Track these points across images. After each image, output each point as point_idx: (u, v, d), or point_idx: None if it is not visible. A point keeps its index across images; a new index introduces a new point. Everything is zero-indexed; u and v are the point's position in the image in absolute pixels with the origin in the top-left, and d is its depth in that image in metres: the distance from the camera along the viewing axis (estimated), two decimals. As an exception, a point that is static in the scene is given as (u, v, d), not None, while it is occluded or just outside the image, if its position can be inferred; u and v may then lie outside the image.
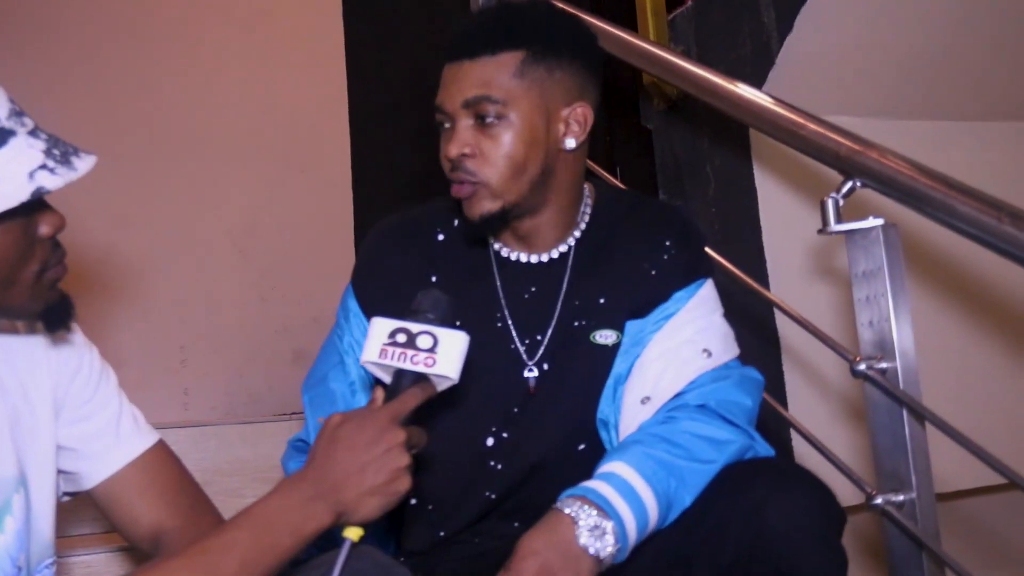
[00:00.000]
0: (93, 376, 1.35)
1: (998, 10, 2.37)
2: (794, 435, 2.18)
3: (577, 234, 1.59)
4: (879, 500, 1.59)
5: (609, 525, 1.29)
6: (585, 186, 1.63)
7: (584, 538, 1.28)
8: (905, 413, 1.59)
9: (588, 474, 1.42)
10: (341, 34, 3.48)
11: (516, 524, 1.52)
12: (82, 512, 1.94)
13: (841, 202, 1.67)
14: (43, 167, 1.08)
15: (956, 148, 2.50)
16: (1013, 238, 1.43)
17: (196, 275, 3.11)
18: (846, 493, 1.49)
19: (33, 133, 1.11)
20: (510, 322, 1.55)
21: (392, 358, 1.21)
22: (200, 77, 3.22)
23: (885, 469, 1.61)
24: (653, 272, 1.55)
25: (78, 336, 1.36)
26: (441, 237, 1.60)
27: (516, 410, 1.53)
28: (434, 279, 1.56)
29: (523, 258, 1.58)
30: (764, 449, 1.48)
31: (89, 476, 1.34)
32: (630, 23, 2.58)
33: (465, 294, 1.44)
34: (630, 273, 1.55)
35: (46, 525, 1.27)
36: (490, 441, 1.52)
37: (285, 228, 3.27)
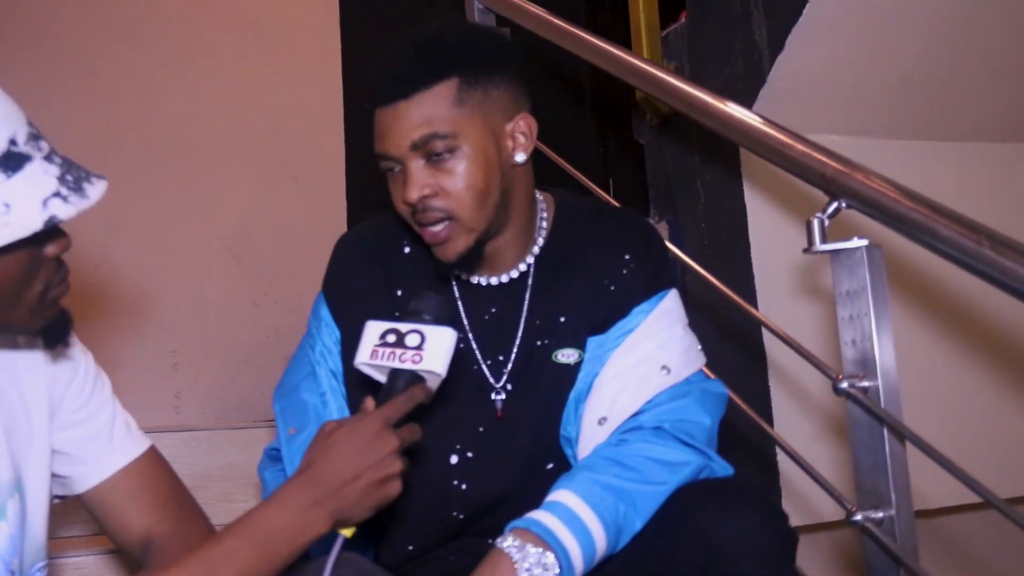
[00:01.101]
0: (88, 382, 1.37)
1: (987, 33, 2.40)
2: (778, 451, 2.20)
3: (536, 250, 1.58)
4: (859, 516, 1.60)
5: (551, 559, 1.28)
6: (540, 196, 1.62)
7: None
8: (886, 431, 1.60)
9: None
10: (338, 42, 3.50)
11: (490, 542, 1.52)
12: (73, 514, 1.95)
13: (826, 222, 1.69)
14: (56, 195, 1.09)
15: (943, 168, 2.53)
16: (993, 262, 1.45)
17: (189, 280, 3.13)
18: (827, 509, 1.52)
19: (48, 158, 1.12)
20: (473, 344, 1.55)
21: (382, 358, 1.26)
22: (196, 83, 3.24)
23: (865, 486, 1.63)
24: (612, 288, 1.53)
25: (75, 344, 1.38)
26: (407, 250, 1.60)
27: (481, 430, 1.53)
28: (399, 293, 1.56)
29: (483, 281, 1.57)
30: (722, 468, 1.47)
31: (81, 480, 1.36)
32: (624, 38, 2.60)
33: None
34: (590, 289, 1.54)
35: (40, 529, 1.29)
36: (454, 459, 1.52)
37: (279, 235, 3.29)
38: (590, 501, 1.33)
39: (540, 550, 1.28)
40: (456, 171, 1.43)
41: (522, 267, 1.57)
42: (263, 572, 1.12)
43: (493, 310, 1.56)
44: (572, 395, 1.51)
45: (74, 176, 1.12)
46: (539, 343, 1.54)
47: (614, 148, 3.40)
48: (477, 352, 1.55)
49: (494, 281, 1.58)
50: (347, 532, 1.21)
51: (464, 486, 1.52)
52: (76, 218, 1.09)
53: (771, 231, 2.37)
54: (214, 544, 1.12)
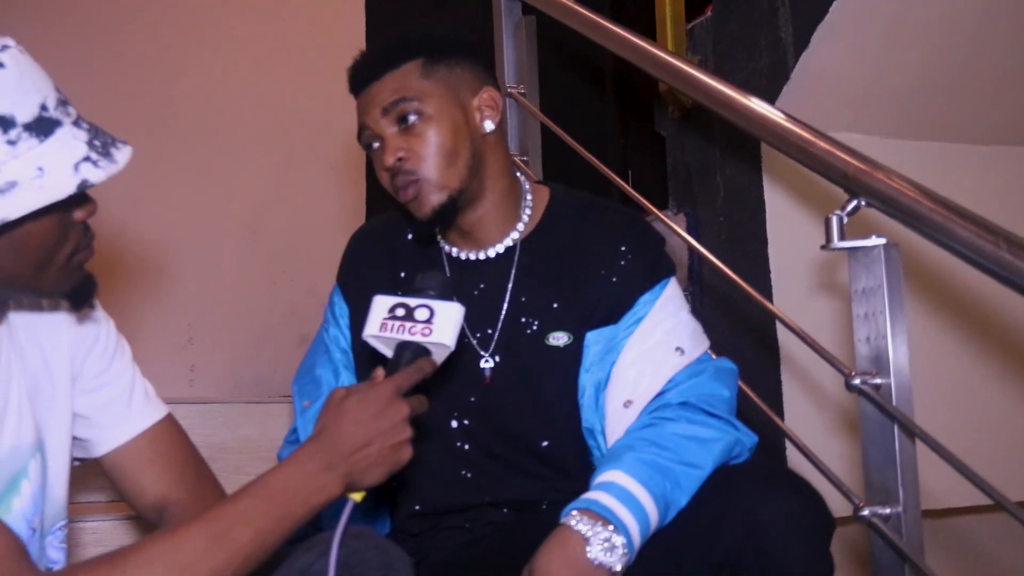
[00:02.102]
0: (109, 348, 1.40)
1: (1009, 37, 2.40)
2: (788, 444, 2.22)
3: (520, 227, 1.66)
4: (866, 512, 1.62)
5: (619, 539, 1.33)
6: (527, 182, 1.71)
7: (597, 553, 1.32)
8: (896, 429, 1.62)
9: (558, 469, 1.53)
10: (362, 23, 3.51)
11: (505, 511, 1.59)
12: (92, 480, 1.98)
13: (845, 220, 1.70)
14: (87, 159, 1.11)
15: (963, 170, 2.53)
16: (1010, 264, 1.46)
17: (207, 255, 3.15)
18: (835, 504, 1.52)
19: (77, 123, 1.14)
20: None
21: (392, 331, 1.30)
22: (219, 62, 3.26)
23: (874, 482, 1.64)
24: (614, 279, 1.60)
25: (97, 310, 1.40)
26: (409, 236, 1.70)
27: (473, 399, 1.60)
28: (403, 275, 1.66)
29: (471, 256, 1.66)
30: (748, 437, 1.53)
31: (99, 444, 1.38)
32: (649, 31, 2.61)
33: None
34: (588, 280, 1.61)
35: (60, 489, 1.31)
36: (454, 424, 1.60)
37: (298, 214, 3.31)
38: (640, 479, 1.39)
39: (609, 528, 1.33)
40: (425, 134, 1.54)
41: (507, 242, 1.65)
42: (278, 532, 1.14)
43: (482, 285, 1.64)
44: (591, 387, 1.56)
45: (101, 141, 1.15)
46: (525, 320, 1.61)
47: (634, 139, 3.40)
48: (465, 326, 1.60)
49: (481, 256, 1.66)
50: (357, 497, 1.24)
51: (467, 447, 1.60)
52: (105, 182, 1.12)
53: (789, 227, 2.38)
54: (231, 503, 1.15)
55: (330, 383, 1.64)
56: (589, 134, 2.61)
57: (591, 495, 1.39)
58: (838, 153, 1.76)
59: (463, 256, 1.66)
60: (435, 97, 1.56)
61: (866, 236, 1.68)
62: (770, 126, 1.91)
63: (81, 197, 1.17)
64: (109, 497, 2.03)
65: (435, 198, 1.55)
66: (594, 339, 1.58)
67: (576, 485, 1.49)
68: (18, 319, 1.30)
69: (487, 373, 1.60)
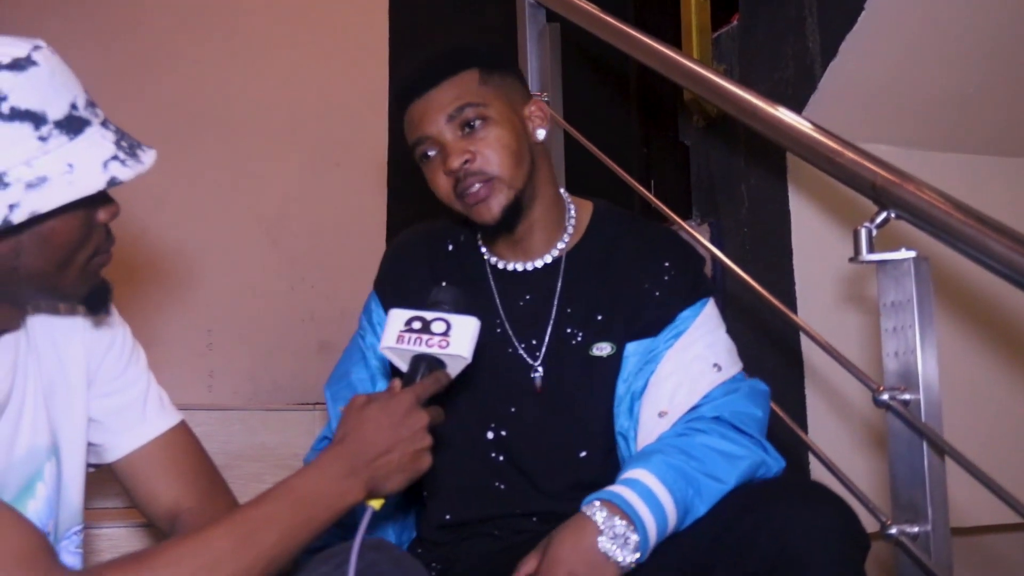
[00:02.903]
0: (125, 353, 1.39)
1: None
2: (812, 459, 2.18)
3: (566, 238, 1.67)
4: (894, 530, 1.59)
5: (633, 536, 1.35)
6: (568, 196, 1.73)
7: (608, 545, 1.34)
8: (925, 445, 1.58)
9: (591, 480, 1.51)
10: (386, 30, 3.51)
11: (534, 519, 1.60)
12: (108, 487, 1.97)
13: (874, 232, 1.67)
14: (115, 158, 1.13)
15: (988, 183, 2.50)
16: (1045, 279, 1.43)
17: (227, 260, 3.15)
18: (861, 520, 1.50)
19: (104, 124, 1.17)
20: (509, 329, 1.64)
21: (409, 343, 1.32)
22: (243, 65, 3.26)
23: (902, 500, 1.61)
24: (657, 293, 1.62)
25: (113, 314, 1.40)
26: (451, 247, 1.72)
27: (514, 410, 1.61)
28: (444, 285, 1.63)
29: (517, 267, 1.67)
30: (775, 460, 1.54)
31: (112, 450, 1.38)
32: (675, 39, 2.59)
33: (467, 301, 1.50)
34: (631, 292, 1.62)
35: (75, 493, 1.31)
36: (490, 435, 1.61)
37: (318, 220, 3.30)
38: (664, 481, 1.40)
39: (624, 522, 1.35)
40: (489, 136, 1.55)
41: (554, 254, 1.67)
42: (301, 536, 1.15)
43: (528, 297, 1.66)
44: (627, 395, 1.58)
45: (128, 143, 1.17)
46: (570, 331, 1.62)
47: (657, 149, 3.38)
48: (512, 336, 1.64)
49: (527, 267, 1.67)
50: (376, 504, 1.25)
51: (502, 458, 1.60)
52: (132, 181, 1.13)
53: (815, 238, 2.35)
54: (255, 507, 1.15)
55: (367, 389, 1.66)
56: (612, 143, 2.59)
57: (614, 488, 1.40)
58: (867, 164, 1.73)
59: (509, 267, 1.67)
60: (495, 101, 1.57)
61: (895, 248, 1.65)
62: (797, 136, 1.89)
63: (105, 199, 1.19)
64: (125, 504, 2.02)
65: (503, 198, 1.55)
66: (633, 350, 1.60)
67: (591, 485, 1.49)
68: (35, 322, 1.30)
69: (538, 382, 1.62)
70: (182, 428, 1.43)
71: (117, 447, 1.38)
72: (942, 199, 1.60)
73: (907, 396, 1.62)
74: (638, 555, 1.36)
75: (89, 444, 1.36)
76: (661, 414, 1.54)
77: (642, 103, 3.49)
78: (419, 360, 1.31)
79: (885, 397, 1.62)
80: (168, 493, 1.38)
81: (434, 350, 1.31)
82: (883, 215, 1.67)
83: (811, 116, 1.99)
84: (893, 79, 2.34)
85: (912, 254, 1.63)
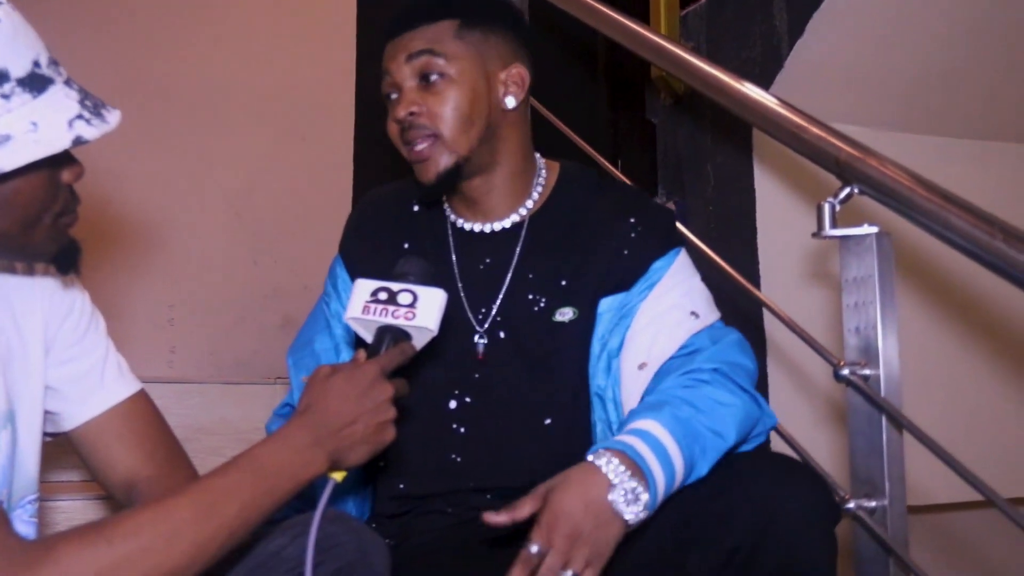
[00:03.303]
0: (83, 320, 1.37)
1: (1007, 31, 2.38)
2: (772, 434, 2.19)
3: (529, 204, 1.64)
4: (851, 504, 1.60)
5: (644, 494, 1.28)
6: (542, 160, 1.69)
7: (619, 501, 1.26)
8: (884, 421, 1.60)
9: (557, 450, 1.48)
10: (354, 5, 3.47)
11: (488, 497, 1.55)
12: (64, 458, 1.95)
13: (838, 207, 1.68)
14: (80, 117, 1.12)
15: (958, 165, 2.52)
16: (1006, 255, 1.43)
17: (190, 234, 3.10)
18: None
19: (68, 83, 1.15)
20: (461, 292, 1.61)
21: (374, 314, 1.29)
22: (208, 37, 3.21)
23: (860, 475, 1.63)
24: (626, 252, 1.57)
25: (73, 281, 1.38)
26: (416, 208, 1.68)
27: (476, 376, 1.57)
28: (406, 246, 1.64)
29: (476, 228, 1.64)
30: (769, 418, 1.51)
31: (70, 418, 1.36)
32: (642, 16, 2.58)
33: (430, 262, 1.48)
34: (598, 255, 1.58)
35: (31, 461, 1.28)
36: (452, 404, 1.57)
37: (283, 194, 3.26)
38: (674, 434, 1.34)
39: (636, 477, 1.27)
40: (445, 94, 1.53)
41: (515, 218, 1.63)
42: (264, 505, 1.13)
43: (488, 260, 1.62)
44: (603, 354, 1.54)
45: (92, 102, 1.15)
46: (532, 296, 1.59)
47: (624, 126, 3.37)
48: (464, 299, 1.60)
49: (487, 229, 1.63)
50: (338, 476, 1.23)
51: (463, 429, 1.56)
52: (98, 140, 1.12)
53: (780, 215, 2.36)
54: (219, 476, 1.13)
55: (330, 358, 1.61)
56: (579, 119, 2.58)
57: (625, 439, 1.32)
58: (831, 139, 1.74)
59: (468, 227, 1.64)
60: (462, 60, 1.54)
61: (858, 224, 1.66)
62: (763, 111, 1.89)
63: (69, 159, 1.17)
64: (82, 476, 2.00)
65: (443, 160, 1.53)
66: (607, 306, 1.55)
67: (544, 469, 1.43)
68: None
69: (480, 349, 1.58)
70: (141, 396, 1.40)
71: (74, 415, 1.35)
72: (905, 174, 1.61)
73: (867, 371, 1.63)
74: (645, 514, 1.28)
75: (46, 412, 1.33)
76: (641, 366, 1.50)
77: (609, 81, 3.48)
78: (384, 331, 1.29)
79: (845, 372, 1.63)
80: (125, 462, 1.35)
81: (400, 322, 1.29)
82: (846, 190, 1.68)
83: (777, 94, 2.00)
84: (859, 59, 2.35)
85: (874, 229, 1.64)
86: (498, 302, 1.59)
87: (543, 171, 1.67)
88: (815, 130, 1.77)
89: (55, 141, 1.09)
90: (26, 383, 1.28)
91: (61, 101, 1.11)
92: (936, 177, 1.62)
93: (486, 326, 1.59)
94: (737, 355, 1.50)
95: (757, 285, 2.29)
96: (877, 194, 1.64)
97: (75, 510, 1.81)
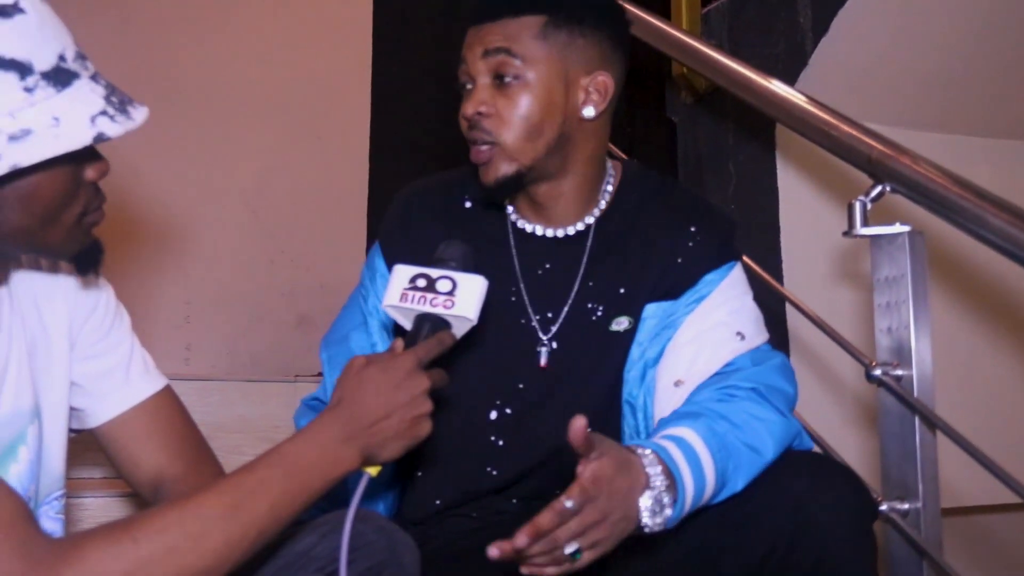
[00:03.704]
0: (108, 315, 1.35)
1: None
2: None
3: (597, 212, 1.56)
4: (884, 507, 1.58)
5: (668, 509, 1.23)
6: (609, 163, 1.61)
7: (646, 505, 1.22)
8: (917, 422, 1.58)
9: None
10: (370, 2, 3.46)
11: (514, 501, 1.53)
12: (89, 455, 1.93)
13: (869, 206, 1.66)
14: (103, 113, 1.08)
15: (977, 163, 2.49)
16: (1043, 253, 1.42)
17: (206, 232, 3.10)
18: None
19: (95, 78, 1.12)
20: (525, 296, 1.54)
21: (413, 301, 1.26)
22: (227, 34, 3.21)
23: (892, 476, 1.61)
24: (680, 260, 1.52)
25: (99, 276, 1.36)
26: (468, 204, 1.60)
27: (522, 386, 1.52)
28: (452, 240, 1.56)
29: (540, 231, 1.56)
30: (805, 440, 1.47)
31: (95, 414, 1.33)
32: (663, 13, 2.56)
33: (482, 262, 1.40)
34: (654, 261, 1.53)
35: (57, 458, 1.27)
36: (493, 415, 1.52)
37: (299, 192, 3.26)
38: (711, 448, 1.30)
39: (667, 485, 1.23)
40: (517, 99, 1.45)
41: (580, 226, 1.56)
42: (294, 503, 1.11)
43: (548, 265, 1.55)
44: (640, 362, 1.50)
45: (119, 98, 1.12)
46: (591, 306, 1.53)
47: (641, 125, 3.36)
48: (528, 305, 1.54)
49: (550, 234, 1.56)
50: (372, 471, 1.20)
51: (501, 442, 1.51)
52: (122, 137, 1.08)
53: (804, 213, 2.34)
54: (247, 473, 1.10)
55: None
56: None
57: (664, 443, 1.28)
58: (862, 137, 1.72)
59: (530, 229, 1.56)
60: (541, 64, 1.45)
61: (889, 223, 1.64)
62: (791, 109, 1.88)
63: (94, 155, 1.14)
64: (107, 473, 1.98)
65: (503, 168, 1.46)
66: (651, 312, 1.50)
67: None
68: (17, 280, 1.25)
69: (543, 358, 1.52)
70: (167, 393, 1.38)
71: (100, 412, 1.33)
72: (939, 173, 1.60)
73: (900, 372, 1.61)
74: (660, 529, 1.24)
75: (72, 409, 1.31)
76: (677, 383, 1.44)
77: (627, 80, 3.46)
78: (423, 320, 1.26)
79: (878, 372, 1.61)
80: (152, 460, 1.33)
81: (438, 310, 1.24)
82: (878, 188, 1.66)
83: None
84: (884, 57, 2.33)
85: (907, 228, 1.62)
86: (565, 310, 1.53)
87: (610, 175, 1.60)
88: (846, 128, 1.75)
89: (76, 137, 1.06)
90: (52, 379, 1.26)
91: (86, 96, 1.08)
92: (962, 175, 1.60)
93: (551, 334, 1.53)
94: (778, 379, 1.45)
95: (780, 284, 2.27)
96: (910, 192, 1.62)
97: (100, 507, 1.80)
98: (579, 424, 1.17)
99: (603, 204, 1.57)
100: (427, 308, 1.25)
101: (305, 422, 1.57)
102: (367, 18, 3.45)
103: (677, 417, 1.37)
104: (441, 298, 1.25)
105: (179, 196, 3.05)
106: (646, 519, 1.22)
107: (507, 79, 1.45)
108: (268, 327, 3.14)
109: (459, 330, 1.27)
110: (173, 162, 3.04)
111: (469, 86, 1.49)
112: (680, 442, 1.29)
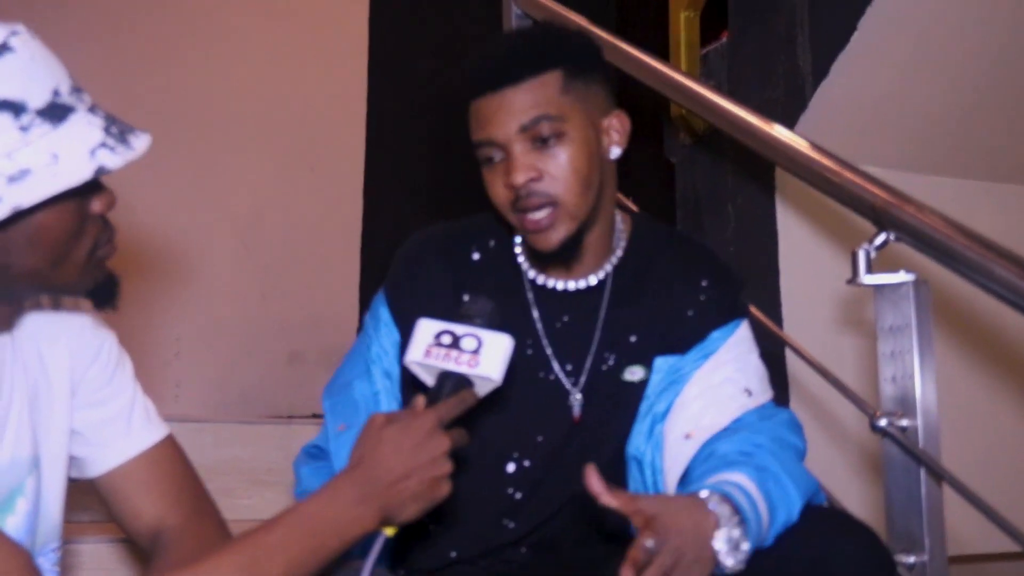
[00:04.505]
0: (111, 362, 1.33)
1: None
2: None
3: (614, 259, 1.55)
4: (889, 559, 1.56)
5: (745, 544, 1.23)
6: (617, 213, 1.60)
7: (722, 546, 1.22)
8: (923, 473, 1.56)
9: (612, 514, 1.34)
10: (365, 34, 3.46)
11: (523, 550, 1.51)
12: (88, 499, 1.90)
13: (873, 254, 1.65)
14: (103, 145, 1.07)
15: (979, 208, 2.49)
16: (1051, 306, 1.41)
17: (198, 266, 3.08)
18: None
19: (92, 110, 1.11)
20: (548, 350, 1.52)
21: (437, 358, 1.22)
22: (218, 65, 3.20)
23: (898, 528, 1.59)
24: (690, 313, 1.52)
25: (98, 320, 1.34)
26: (476, 256, 1.57)
27: (541, 439, 1.50)
28: (465, 298, 1.51)
29: (559, 285, 1.54)
30: (821, 495, 1.46)
31: (95, 464, 1.31)
32: (662, 54, 2.56)
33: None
34: (664, 313, 1.52)
35: (55, 508, 1.25)
36: (511, 467, 1.50)
37: (291, 226, 3.24)
38: (764, 497, 1.29)
39: (739, 526, 1.23)
40: (561, 156, 1.41)
41: (600, 275, 1.55)
42: (310, 564, 1.09)
43: (565, 318, 1.53)
44: (647, 416, 1.49)
45: (119, 128, 1.11)
46: (606, 355, 1.52)
47: (637, 166, 3.35)
48: (553, 359, 1.52)
49: (571, 286, 1.54)
50: (389, 531, 1.18)
51: (519, 495, 1.50)
52: (122, 169, 1.08)
53: (803, 257, 2.34)
54: (263, 533, 1.09)
55: (369, 407, 1.52)
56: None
57: (724, 486, 1.27)
58: (866, 185, 1.71)
59: (551, 285, 1.54)
60: (574, 117, 1.42)
61: (893, 271, 1.63)
62: (793, 155, 1.87)
63: (98, 188, 1.13)
64: (95, 517, 1.94)
65: (565, 229, 1.42)
66: (659, 366, 1.50)
67: (603, 521, 1.42)
68: (21, 325, 1.23)
69: (576, 411, 1.50)
70: (168, 442, 1.36)
71: (100, 461, 1.31)
72: (944, 222, 1.58)
73: (905, 422, 1.59)
74: (740, 567, 1.23)
75: (71, 457, 1.29)
76: (687, 436, 1.43)
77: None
78: (445, 377, 1.23)
79: (883, 423, 1.59)
80: (152, 510, 1.31)
81: (463, 368, 1.21)
82: (882, 237, 1.65)
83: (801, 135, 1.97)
84: (884, 100, 2.34)
85: (911, 277, 1.61)
86: (589, 362, 1.51)
87: (619, 223, 1.58)
88: (849, 175, 1.74)
89: (76, 172, 1.05)
90: (52, 427, 1.24)
91: (83, 130, 1.07)
92: (960, 219, 1.59)
93: (581, 387, 1.51)
94: (789, 434, 1.45)
95: (779, 329, 2.26)
96: (915, 242, 1.61)
97: (98, 553, 1.76)
98: (593, 479, 1.20)
99: (619, 252, 1.56)
100: (451, 366, 1.22)
101: (306, 471, 1.56)
102: (362, 50, 3.45)
103: (722, 465, 1.35)
104: (466, 356, 1.22)
105: (170, 228, 3.03)
106: (725, 560, 1.22)
107: (548, 139, 1.41)
108: (259, 363, 3.11)
109: (482, 390, 1.24)
110: (165, 194, 3.02)
111: (498, 157, 1.44)
112: (738, 487, 1.28)
